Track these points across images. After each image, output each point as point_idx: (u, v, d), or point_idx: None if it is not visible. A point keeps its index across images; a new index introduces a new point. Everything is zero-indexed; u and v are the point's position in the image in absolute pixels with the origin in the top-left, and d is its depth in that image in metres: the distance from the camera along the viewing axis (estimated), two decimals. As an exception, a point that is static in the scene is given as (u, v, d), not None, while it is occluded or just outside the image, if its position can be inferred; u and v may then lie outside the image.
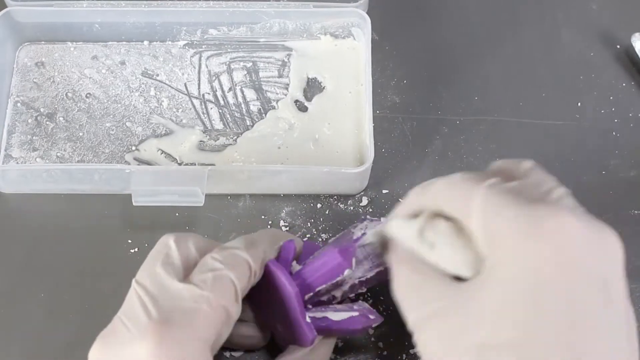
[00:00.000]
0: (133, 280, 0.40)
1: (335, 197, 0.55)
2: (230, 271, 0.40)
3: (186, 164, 0.56)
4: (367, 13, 0.58)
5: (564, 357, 0.31)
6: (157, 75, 0.60)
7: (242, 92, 0.60)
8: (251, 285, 0.42)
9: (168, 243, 0.41)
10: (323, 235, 0.54)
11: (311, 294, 0.43)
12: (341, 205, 0.55)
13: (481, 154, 0.57)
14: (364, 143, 0.55)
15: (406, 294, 0.37)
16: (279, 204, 0.55)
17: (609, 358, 0.31)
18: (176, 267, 0.40)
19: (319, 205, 0.55)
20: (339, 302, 0.45)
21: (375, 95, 0.57)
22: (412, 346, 0.49)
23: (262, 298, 0.44)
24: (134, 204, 0.52)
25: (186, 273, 0.41)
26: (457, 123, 0.59)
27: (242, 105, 0.59)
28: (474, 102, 0.60)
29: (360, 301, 0.46)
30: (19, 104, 0.59)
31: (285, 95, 0.59)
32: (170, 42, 0.61)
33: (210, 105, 0.59)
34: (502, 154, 0.57)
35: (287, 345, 0.45)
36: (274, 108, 0.59)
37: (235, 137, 0.58)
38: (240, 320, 0.44)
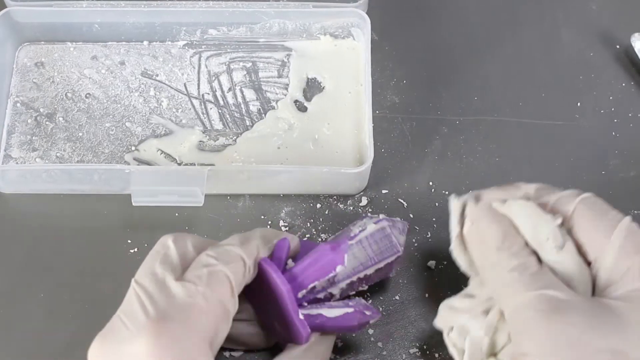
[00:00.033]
0: (132, 280, 0.40)
1: (335, 197, 0.55)
2: (224, 266, 0.40)
3: (186, 164, 0.56)
4: (367, 13, 0.58)
5: None
6: (157, 75, 0.60)
7: (242, 92, 0.60)
8: (247, 281, 0.42)
9: (166, 243, 0.42)
10: (323, 235, 0.54)
11: (304, 291, 0.43)
12: (341, 205, 0.55)
13: (481, 154, 0.57)
14: (364, 143, 0.55)
15: (514, 276, 0.38)
16: (279, 204, 0.55)
17: None
18: (174, 266, 0.41)
19: (318, 205, 0.55)
20: (339, 300, 0.45)
21: (374, 95, 0.57)
22: (412, 346, 0.49)
23: (259, 298, 0.44)
24: (133, 204, 0.52)
25: (184, 272, 0.41)
26: (456, 123, 0.59)
27: (242, 106, 0.59)
28: (473, 102, 0.60)
29: (357, 298, 0.46)
30: (18, 104, 0.59)
31: (285, 95, 0.59)
32: (169, 42, 0.61)
33: (209, 106, 0.59)
34: (502, 154, 0.57)
35: (286, 345, 0.45)
36: (273, 108, 0.59)
37: (235, 137, 0.58)
38: (244, 319, 0.44)
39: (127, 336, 0.38)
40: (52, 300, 0.51)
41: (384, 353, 0.49)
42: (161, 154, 0.57)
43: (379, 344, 0.49)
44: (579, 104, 0.60)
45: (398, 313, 0.51)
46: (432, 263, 0.52)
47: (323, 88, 0.60)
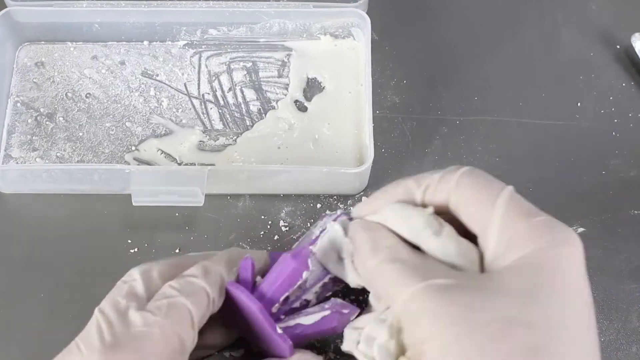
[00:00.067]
0: (96, 309, 0.40)
1: (335, 197, 0.55)
2: (186, 299, 0.40)
3: (186, 164, 0.56)
4: (367, 13, 0.58)
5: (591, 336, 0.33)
6: (157, 75, 0.60)
7: (242, 92, 0.60)
8: (212, 311, 0.42)
9: (133, 274, 0.42)
10: (323, 235, 0.53)
11: (277, 305, 0.43)
12: (341, 206, 0.55)
13: (481, 154, 0.57)
14: (364, 143, 0.55)
15: (395, 272, 0.37)
16: (279, 204, 0.55)
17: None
18: (139, 298, 0.41)
19: (318, 206, 0.55)
20: (317, 304, 0.45)
21: (375, 95, 0.57)
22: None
23: (239, 322, 0.44)
24: (133, 204, 0.52)
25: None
26: (457, 123, 0.59)
27: (242, 105, 0.59)
28: (473, 102, 0.60)
29: (332, 299, 0.45)
30: (18, 104, 0.59)
31: (285, 95, 0.59)
32: (170, 42, 0.61)
33: (210, 105, 0.59)
34: (502, 154, 0.57)
35: None
36: (273, 108, 0.59)
37: (235, 137, 0.58)
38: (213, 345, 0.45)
39: None
40: (52, 300, 0.51)
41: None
42: (161, 153, 0.57)
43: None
44: (579, 104, 0.60)
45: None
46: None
47: (323, 88, 0.60)
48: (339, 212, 0.46)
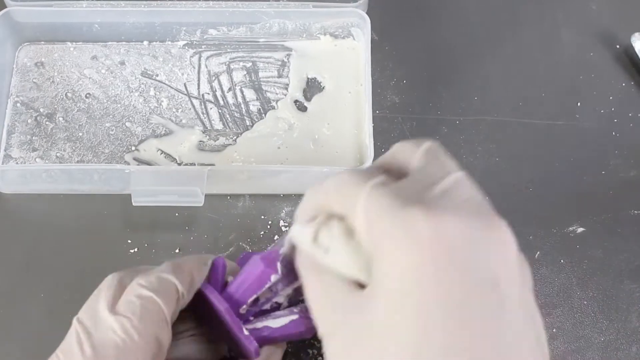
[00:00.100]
0: (74, 319, 0.40)
1: (335, 197, 0.55)
2: (157, 296, 0.40)
3: (186, 164, 0.56)
4: (367, 13, 0.58)
5: None
6: (157, 75, 0.60)
7: (242, 92, 0.60)
8: (181, 307, 0.41)
9: (109, 281, 0.42)
10: (323, 235, 0.53)
11: (245, 306, 0.42)
12: (341, 205, 0.55)
13: (481, 154, 0.57)
14: (364, 143, 0.55)
15: (313, 301, 0.35)
16: (279, 204, 0.55)
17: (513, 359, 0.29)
18: (115, 303, 0.40)
19: (318, 205, 0.55)
20: (287, 307, 0.44)
21: (374, 95, 0.57)
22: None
23: (210, 322, 0.44)
24: (133, 204, 0.52)
25: None
26: (457, 123, 0.59)
27: (242, 105, 0.59)
28: (473, 102, 0.60)
29: (302, 303, 0.44)
30: (18, 104, 0.59)
31: (285, 95, 0.59)
32: (169, 42, 0.61)
33: (209, 105, 0.59)
34: (502, 154, 0.57)
35: None
36: (273, 108, 0.59)
37: (235, 137, 0.58)
38: (190, 335, 0.44)
39: None
40: (52, 300, 0.51)
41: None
42: (161, 154, 0.57)
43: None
44: (579, 104, 0.60)
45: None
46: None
47: (323, 88, 0.60)
48: None
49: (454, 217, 0.30)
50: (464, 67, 0.61)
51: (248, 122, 0.58)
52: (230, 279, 0.44)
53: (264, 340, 0.43)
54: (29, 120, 0.58)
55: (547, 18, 0.64)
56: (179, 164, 0.56)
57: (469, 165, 0.57)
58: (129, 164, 0.56)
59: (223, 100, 0.59)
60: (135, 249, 0.53)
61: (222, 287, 0.44)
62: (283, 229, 0.54)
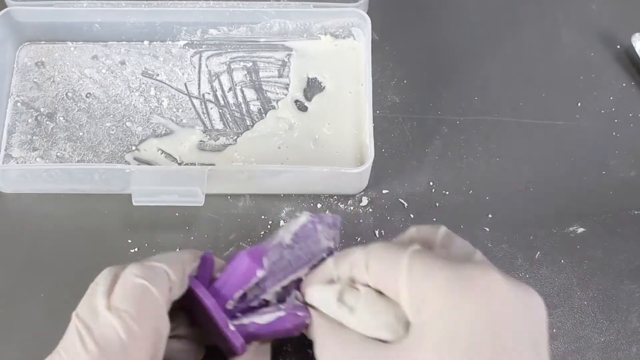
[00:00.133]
0: (73, 314, 0.40)
1: (335, 197, 0.55)
2: (151, 284, 0.40)
3: (186, 164, 0.56)
4: (367, 13, 0.58)
5: None
6: (157, 75, 0.60)
7: (242, 92, 0.60)
8: (175, 297, 0.42)
9: (106, 274, 0.42)
10: (323, 235, 0.54)
11: (232, 301, 0.43)
12: (341, 205, 0.55)
13: (481, 154, 0.57)
14: (364, 143, 0.55)
15: (331, 356, 0.38)
16: (279, 204, 0.55)
17: None
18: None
19: (319, 205, 0.55)
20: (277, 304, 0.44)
21: (375, 95, 0.57)
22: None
23: (199, 318, 0.44)
24: (134, 204, 0.52)
25: None
26: (457, 123, 0.59)
27: (242, 105, 0.59)
28: (474, 102, 0.60)
29: (289, 299, 0.44)
30: (19, 104, 0.59)
31: (285, 95, 0.59)
32: (170, 42, 0.61)
33: (210, 105, 0.59)
34: (502, 154, 0.57)
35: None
36: (274, 108, 0.59)
37: (235, 137, 0.58)
38: (174, 336, 0.44)
39: None
40: (52, 300, 0.51)
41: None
42: (161, 153, 0.57)
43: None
44: (579, 104, 0.60)
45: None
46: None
47: (323, 88, 0.60)
48: (304, 212, 0.46)
49: (503, 278, 0.34)
50: (464, 67, 0.61)
51: (248, 122, 0.58)
52: (219, 275, 0.44)
53: (251, 336, 0.43)
54: (30, 120, 0.58)
55: (547, 18, 0.64)
56: (180, 164, 0.56)
57: (469, 165, 0.57)
58: (129, 163, 0.56)
59: (223, 100, 0.59)
60: (136, 249, 0.53)
61: (210, 282, 0.44)
62: (283, 228, 0.54)
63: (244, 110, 0.59)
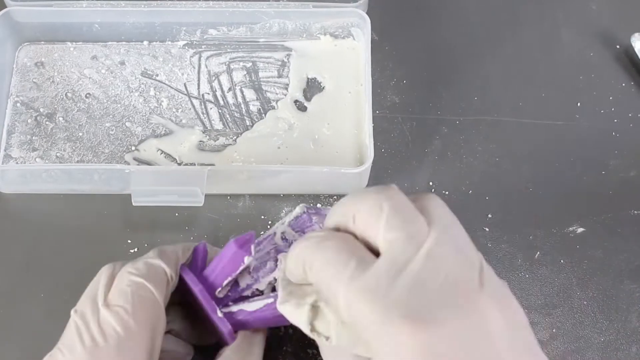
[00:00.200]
0: (72, 311, 0.41)
1: (335, 197, 0.55)
2: (148, 282, 0.40)
3: (186, 164, 0.56)
4: (367, 13, 0.58)
5: None
6: (157, 75, 0.60)
7: (242, 92, 0.60)
8: (171, 290, 0.42)
9: (105, 272, 0.42)
10: (323, 235, 0.53)
11: (220, 289, 0.43)
12: (341, 205, 0.55)
13: (481, 154, 0.57)
14: (364, 143, 0.55)
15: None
16: (279, 204, 0.55)
17: None
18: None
19: (318, 205, 0.55)
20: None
21: (374, 95, 0.57)
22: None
23: (194, 308, 0.44)
24: (133, 204, 0.52)
25: None
26: (456, 123, 0.59)
27: (242, 105, 0.59)
28: (473, 102, 0.60)
29: None
30: (18, 104, 0.59)
31: (285, 95, 0.59)
32: (169, 42, 0.61)
33: (209, 105, 0.59)
34: (502, 154, 0.57)
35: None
36: (273, 108, 0.59)
37: (235, 137, 0.58)
38: (167, 331, 0.44)
39: None
40: (52, 300, 0.51)
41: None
42: (161, 154, 0.57)
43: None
44: (579, 104, 0.60)
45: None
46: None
47: (323, 88, 0.60)
48: (300, 204, 0.46)
49: (437, 329, 0.31)
50: (464, 67, 0.61)
51: (248, 122, 0.58)
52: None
53: (240, 324, 0.43)
54: (29, 120, 0.58)
55: (547, 18, 0.64)
56: (179, 164, 0.56)
57: (469, 165, 0.57)
58: (129, 164, 0.56)
59: (223, 100, 0.59)
60: (135, 249, 0.53)
61: (202, 271, 0.44)
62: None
63: (244, 110, 0.59)
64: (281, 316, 0.42)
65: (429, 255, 0.32)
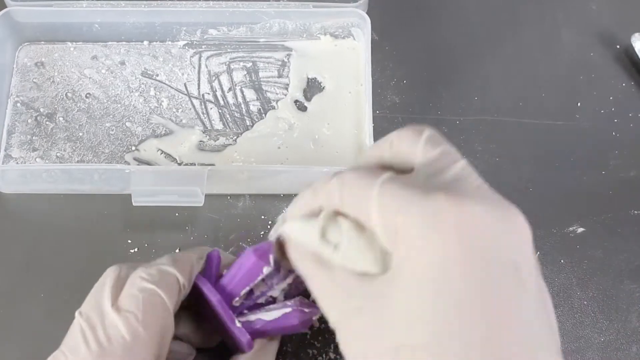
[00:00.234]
0: (76, 312, 0.40)
1: (335, 197, 0.55)
2: (159, 289, 0.40)
3: (186, 164, 0.56)
4: (367, 13, 0.58)
5: (484, 350, 0.29)
6: (157, 75, 0.60)
7: (242, 92, 0.60)
8: (182, 298, 0.42)
9: (111, 273, 0.41)
10: (323, 235, 0.53)
11: (238, 298, 0.43)
12: (341, 205, 0.55)
13: (481, 154, 0.57)
14: (364, 143, 0.55)
15: (320, 294, 0.36)
16: (279, 204, 0.55)
17: (530, 343, 0.30)
18: (118, 296, 0.40)
19: (318, 205, 0.55)
20: (284, 301, 0.44)
21: (375, 95, 0.57)
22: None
23: (206, 315, 0.44)
24: (133, 204, 0.52)
25: None
26: (457, 123, 0.59)
27: (242, 105, 0.59)
28: (473, 102, 0.60)
29: (298, 297, 0.44)
30: (18, 104, 0.59)
31: (285, 95, 0.59)
32: (170, 42, 0.61)
33: (210, 105, 0.59)
34: (502, 154, 0.57)
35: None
36: (273, 108, 0.59)
37: (235, 137, 0.58)
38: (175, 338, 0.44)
39: None
40: (52, 300, 0.51)
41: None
42: (161, 153, 0.57)
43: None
44: (579, 104, 0.60)
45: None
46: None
47: (323, 88, 0.60)
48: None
49: (475, 204, 0.32)
50: (464, 67, 0.61)
51: (248, 122, 0.58)
52: (225, 272, 0.44)
53: (257, 333, 0.43)
54: (29, 120, 0.58)
55: (547, 18, 0.64)
56: (179, 164, 0.56)
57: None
58: (129, 163, 0.56)
59: (223, 100, 0.59)
60: (135, 249, 0.53)
61: (217, 279, 0.44)
62: (283, 229, 0.54)
63: (244, 110, 0.59)
64: (298, 325, 0.42)
65: (465, 168, 0.35)
